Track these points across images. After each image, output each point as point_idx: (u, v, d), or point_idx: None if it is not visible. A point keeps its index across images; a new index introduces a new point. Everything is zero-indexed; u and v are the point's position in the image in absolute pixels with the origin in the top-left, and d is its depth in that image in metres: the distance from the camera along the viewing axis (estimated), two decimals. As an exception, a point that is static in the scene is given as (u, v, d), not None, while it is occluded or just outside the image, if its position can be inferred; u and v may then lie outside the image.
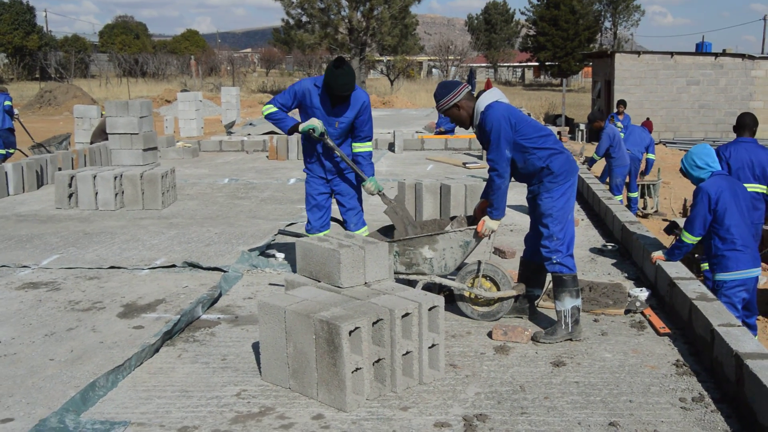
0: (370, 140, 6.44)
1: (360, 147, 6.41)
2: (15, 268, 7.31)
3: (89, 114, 18.46)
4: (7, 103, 15.24)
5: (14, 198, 11.33)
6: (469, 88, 5.42)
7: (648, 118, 15.63)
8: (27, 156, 14.69)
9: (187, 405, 4.32)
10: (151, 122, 13.55)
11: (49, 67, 56.87)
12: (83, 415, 4.21)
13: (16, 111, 15.62)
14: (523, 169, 5.27)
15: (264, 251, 7.71)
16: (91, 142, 15.73)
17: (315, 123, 6.11)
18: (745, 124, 7.23)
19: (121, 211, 10.17)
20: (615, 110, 16.27)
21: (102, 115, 17.08)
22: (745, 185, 6.49)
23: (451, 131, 17.70)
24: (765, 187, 6.98)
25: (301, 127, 6.15)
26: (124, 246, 8.17)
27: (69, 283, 6.81)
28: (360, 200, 6.64)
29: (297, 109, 6.38)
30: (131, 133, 12.93)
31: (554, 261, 5.20)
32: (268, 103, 6.29)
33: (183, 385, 4.60)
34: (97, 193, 10.22)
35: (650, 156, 13.27)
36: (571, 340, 5.20)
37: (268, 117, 6.28)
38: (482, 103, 5.25)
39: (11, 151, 15.50)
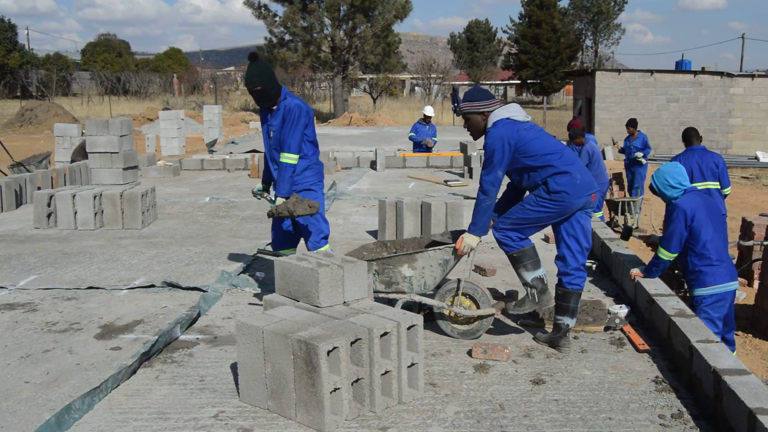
0: (290, 152, 6.21)
1: (282, 158, 6.28)
2: (-8, 289, 7.24)
3: (70, 132, 18.40)
4: None
5: (-8, 218, 11.23)
6: (500, 105, 5.39)
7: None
8: (6, 175, 14.59)
9: (164, 427, 4.27)
10: (131, 141, 13.50)
11: (31, 85, 56.67)
12: (58, 439, 4.16)
13: (-5, 130, 15.53)
14: (526, 182, 5.32)
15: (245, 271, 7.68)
16: (72, 161, 15.65)
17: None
18: (692, 135, 8.54)
19: (101, 230, 10.10)
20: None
21: (83, 133, 17.03)
22: (697, 184, 7.20)
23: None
24: (716, 183, 7.85)
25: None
26: (103, 266, 8.10)
27: (46, 304, 6.73)
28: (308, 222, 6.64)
29: None
30: (111, 152, 12.88)
31: (498, 238, 5.31)
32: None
33: (160, 407, 4.55)
34: (76, 213, 10.14)
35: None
36: (536, 313, 5.47)
37: None
38: (493, 117, 5.27)
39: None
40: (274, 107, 6.31)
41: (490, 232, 5.37)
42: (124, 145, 13.02)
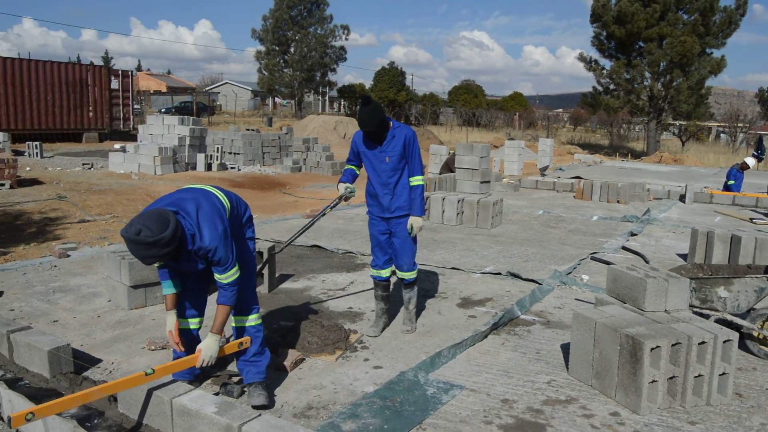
0: (418, 174, 5.20)
1: (416, 181, 5.21)
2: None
3: (440, 152, 19.41)
4: None
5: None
6: None
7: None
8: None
9: (507, 382, 4.36)
10: (487, 162, 13.90)
11: (411, 116, 60.81)
12: (431, 375, 4.44)
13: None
14: None
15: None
16: (440, 173, 16.52)
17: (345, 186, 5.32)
18: None
19: (460, 227, 10.55)
20: None
21: (450, 153, 17.87)
22: None
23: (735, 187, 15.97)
24: None
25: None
26: (462, 253, 8.45)
27: (421, 275, 7.15)
28: (413, 244, 5.34)
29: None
30: (473, 169, 13.37)
31: None
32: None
33: (505, 366, 4.66)
34: (444, 211, 10.71)
35: None
36: None
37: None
38: None
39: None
40: (386, 133, 5.16)
41: None
42: (482, 164, 13.45)
